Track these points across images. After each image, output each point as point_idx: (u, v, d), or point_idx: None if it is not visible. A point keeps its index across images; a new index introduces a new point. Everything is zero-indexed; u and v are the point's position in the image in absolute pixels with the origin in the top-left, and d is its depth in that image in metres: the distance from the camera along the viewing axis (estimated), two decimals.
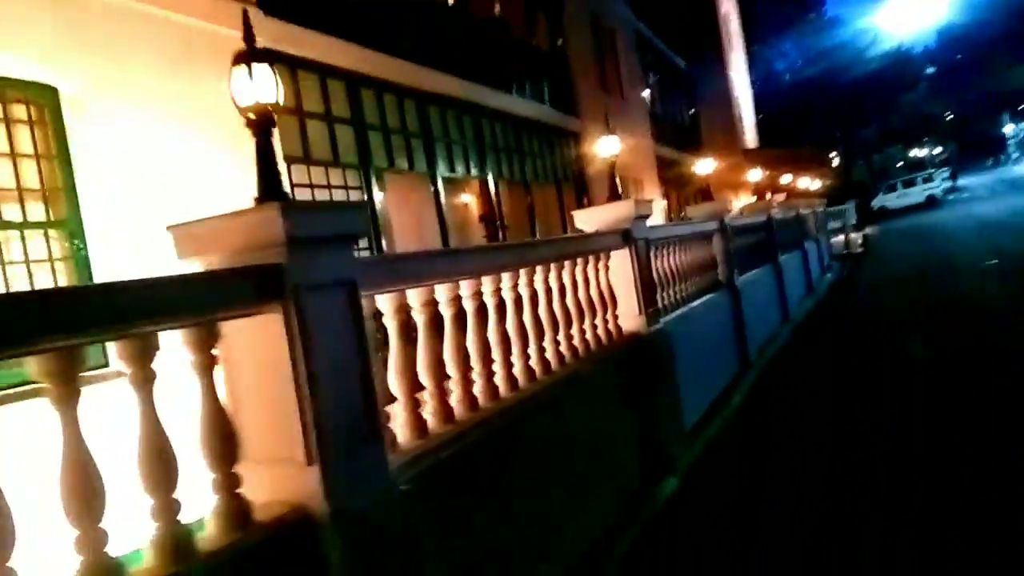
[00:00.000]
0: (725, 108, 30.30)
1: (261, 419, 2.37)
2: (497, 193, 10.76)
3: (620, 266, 5.15)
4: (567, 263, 4.40)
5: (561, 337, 4.26)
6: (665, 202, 20.45)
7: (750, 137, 33.80)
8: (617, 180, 6.10)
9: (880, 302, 12.35)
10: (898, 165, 55.92)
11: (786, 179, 23.58)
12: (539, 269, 4.07)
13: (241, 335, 2.34)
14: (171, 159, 5.27)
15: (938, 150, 61.37)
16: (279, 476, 2.35)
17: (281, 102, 2.61)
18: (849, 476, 4.69)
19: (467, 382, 3.42)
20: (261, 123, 2.58)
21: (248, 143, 2.63)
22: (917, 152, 57.93)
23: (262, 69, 2.59)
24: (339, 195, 7.44)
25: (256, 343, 2.35)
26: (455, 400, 3.35)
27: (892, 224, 30.36)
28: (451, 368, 3.33)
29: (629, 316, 5.20)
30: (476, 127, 10.28)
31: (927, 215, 30.52)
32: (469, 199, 11.63)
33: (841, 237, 22.34)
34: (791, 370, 8.41)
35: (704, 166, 16.91)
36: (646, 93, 21.26)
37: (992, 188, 38.08)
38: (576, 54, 14.77)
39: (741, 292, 8.33)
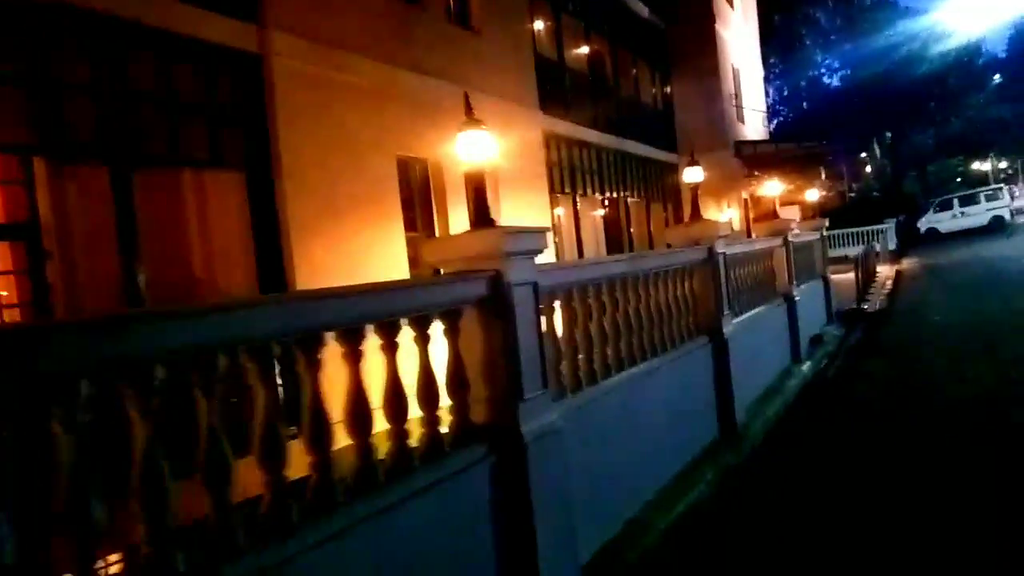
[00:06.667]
0: (712, 83, 20.83)
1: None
2: None
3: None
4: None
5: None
6: (561, 210, 13.71)
7: (754, 128, 25.51)
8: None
9: None
10: (957, 180, 52.63)
11: (770, 187, 14.69)
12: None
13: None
14: None
15: (1003, 164, 59.22)
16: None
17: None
18: None
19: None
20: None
21: None
22: (979, 165, 55.33)
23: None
24: None
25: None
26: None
27: (941, 256, 22.81)
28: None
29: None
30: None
31: (993, 245, 22.96)
32: None
33: (852, 274, 14.89)
34: None
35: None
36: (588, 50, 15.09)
37: None
38: None
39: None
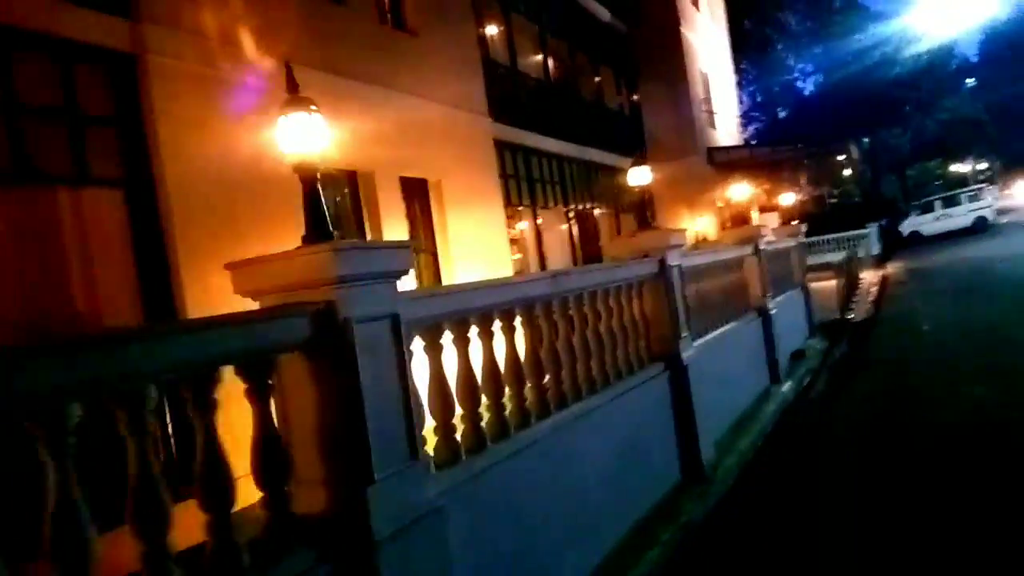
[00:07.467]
0: (680, 87, 20.42)
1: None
2: None
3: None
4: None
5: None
6: (523, 225, 13.25)
7: (728, 133, 25.33)
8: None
9: None
10: (936, 182, 52.59)
11: (740, 192, 15.96)
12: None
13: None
14: None
15: (982, 165, 59.18)
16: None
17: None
18: None
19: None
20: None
21: None
22: (959, 167, 55.25)
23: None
24: None
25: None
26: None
27: (927, 259, 21.91)
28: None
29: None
30: None
31: (980, 246, 22.06)
32: None
33: (835, 282, 14.01)
34: None
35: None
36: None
37: None
38: None
39: None
